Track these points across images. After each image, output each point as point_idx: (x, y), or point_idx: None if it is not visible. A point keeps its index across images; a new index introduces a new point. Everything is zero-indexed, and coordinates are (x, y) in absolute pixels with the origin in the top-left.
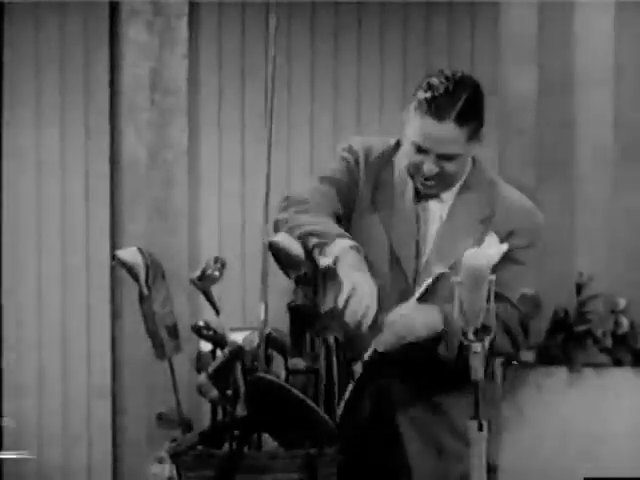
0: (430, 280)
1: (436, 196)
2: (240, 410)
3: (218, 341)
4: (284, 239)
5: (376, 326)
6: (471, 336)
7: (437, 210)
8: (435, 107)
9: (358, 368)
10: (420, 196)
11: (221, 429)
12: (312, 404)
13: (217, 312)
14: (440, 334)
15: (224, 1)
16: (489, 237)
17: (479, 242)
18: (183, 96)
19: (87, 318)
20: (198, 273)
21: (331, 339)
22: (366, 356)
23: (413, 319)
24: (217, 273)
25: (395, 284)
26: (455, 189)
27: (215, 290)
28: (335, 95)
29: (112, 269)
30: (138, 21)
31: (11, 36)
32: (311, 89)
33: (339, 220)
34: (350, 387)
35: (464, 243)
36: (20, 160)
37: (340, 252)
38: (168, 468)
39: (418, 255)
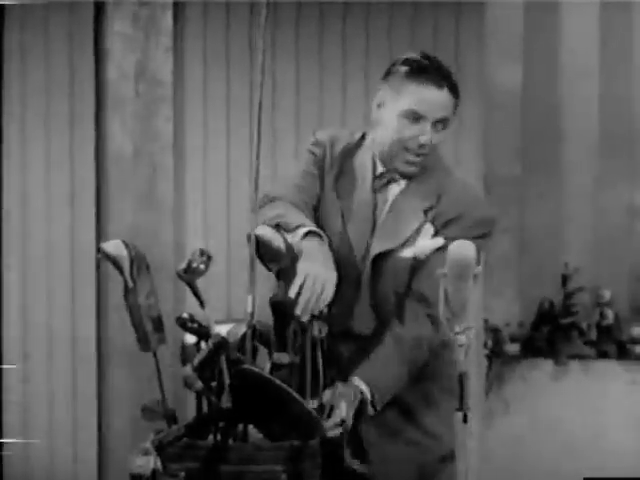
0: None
1: (395, 181)
2: (225, 402)
3: (203, 334)
4: (266, 232)
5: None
6: (457, 328)
7: (391, 197)
8: (433, 75)
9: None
10: (381, 183)
11: (206, 421)
12: (297, 396)
13: (202, 305)
14: None
15: None
16: (426, 228)
17: (419, 231)
18: (168, 87)
19: (72, 310)
20: (184, 266)
21: (316, 332)
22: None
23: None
24: (203, 266)
25: (347, 271)
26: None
27: (200, 282)
28: (320, 89)
29: (98, 261)
30: (123, 13)
31: None
32: (296, 81)
33: (315, 210)
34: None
35: (405, 231)
36: (4, 151)
37: (297, 241)
38: (153, 460)
39: (368, 244)
